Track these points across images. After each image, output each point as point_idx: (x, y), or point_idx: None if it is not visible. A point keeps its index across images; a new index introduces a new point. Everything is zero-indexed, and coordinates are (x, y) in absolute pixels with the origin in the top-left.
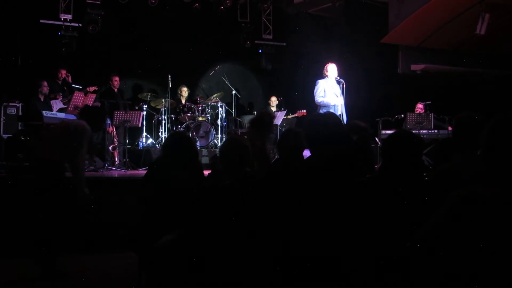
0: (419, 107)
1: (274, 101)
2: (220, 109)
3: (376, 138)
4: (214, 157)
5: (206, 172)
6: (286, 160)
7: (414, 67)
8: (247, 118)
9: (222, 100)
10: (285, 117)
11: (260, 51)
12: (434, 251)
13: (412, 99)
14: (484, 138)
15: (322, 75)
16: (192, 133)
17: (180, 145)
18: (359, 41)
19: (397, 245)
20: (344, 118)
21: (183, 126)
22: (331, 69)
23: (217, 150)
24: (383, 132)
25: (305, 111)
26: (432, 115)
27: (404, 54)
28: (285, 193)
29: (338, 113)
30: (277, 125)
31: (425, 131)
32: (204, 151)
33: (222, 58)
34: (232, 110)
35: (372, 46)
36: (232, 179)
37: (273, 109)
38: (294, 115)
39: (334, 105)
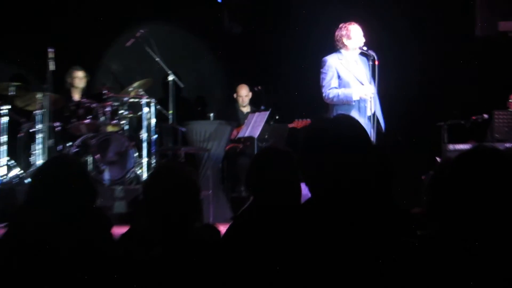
0: None
1: (244, 93)
2: (146, 109)
3: (437, 158)
4: (135, 202)
5: (119, 230)
6: (264, 207)
7: (504, 25)
8: (197, 127)
9: (149, 93)
10: (271, 123)
11: (219, 0)
12: None
13: (502, 84)
14: None
15: (334, 47)
16: (93, 156)
17: (62, 178)
18: None
19: None
20: (381, 123)
21: (77, 142)
22: (354, 34)
23: (140, 187)
24: (451, 147)
25: (309, 120)
26: None
27: (486, 0)
28: (262, 270)
29: (368, 114)
30: (253, 138)
31: None
32: (118, 190)
33: (149, 15)
34: (168, 111)
35: None
36: (166, 244)
37: (244, 109)
38: (289, 125)
39: (360, 101)
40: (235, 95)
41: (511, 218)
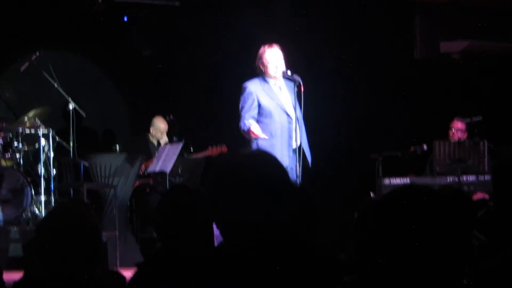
0: (458, 127)
1: (160, 124)
2: (43, 141)
3: (371, 194)
4: (31, 245)
5: (13, 276)
6: (173, 252)
7: (446, 46)
8: (101, 160)
9: (47, 123)
10: (186, 156)
11: (125, 19)
12: None
13: (443, 111)
14: None
15: (255, 72)
16: None
17: None
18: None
19: None
20: (308, 157)
21: None
22: (272, 57)
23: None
24: (386, 181)
25: (225, 146)
26: (485, 145)
27: (427, 20)
28: None
29: (293, 146)
30: (165, 173)
31: (472, 179)
32: (13, 231)
33: (46, 36)
34: (68, 143)
35: (361, 6)
36: None
37: (160, 141)
38: (202, 154)
39: (283, 132)
40: (152, 130)
41: (444, 266)
